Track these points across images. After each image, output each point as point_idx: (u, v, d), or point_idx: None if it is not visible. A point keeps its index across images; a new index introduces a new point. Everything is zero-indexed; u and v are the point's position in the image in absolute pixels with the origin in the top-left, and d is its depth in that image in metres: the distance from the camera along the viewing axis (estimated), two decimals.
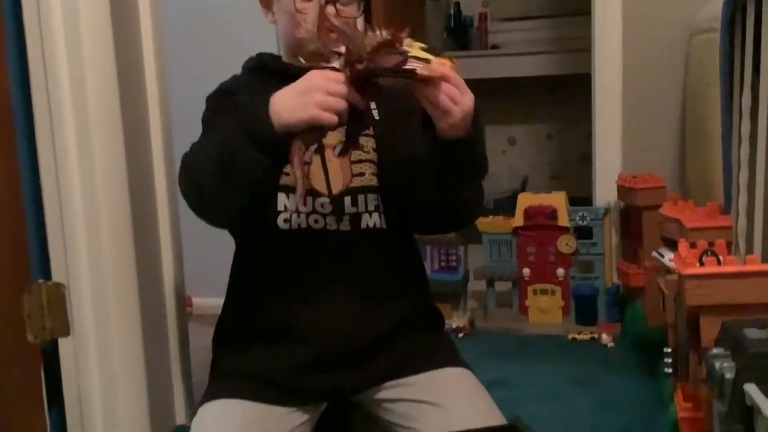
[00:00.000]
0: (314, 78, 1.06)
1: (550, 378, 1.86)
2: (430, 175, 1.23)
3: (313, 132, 1.05)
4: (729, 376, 0.88)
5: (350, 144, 1.14)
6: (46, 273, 1.37)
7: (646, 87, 2.33)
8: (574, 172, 4.15)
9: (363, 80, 1.04)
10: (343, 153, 1.19)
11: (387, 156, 1.31)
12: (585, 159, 2.68)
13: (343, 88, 1.04)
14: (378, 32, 1.02)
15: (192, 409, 1.66)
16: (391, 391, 1.33)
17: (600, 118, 2.40)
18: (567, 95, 4.17)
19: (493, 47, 4.24)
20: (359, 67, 1.03)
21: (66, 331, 1.36)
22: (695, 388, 1.26)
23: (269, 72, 1.28)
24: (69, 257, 1.34)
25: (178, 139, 1.62)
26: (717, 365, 0.90)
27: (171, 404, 1.65)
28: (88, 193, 1.32)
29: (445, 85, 1.08)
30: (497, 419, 1.25)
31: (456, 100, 1.09)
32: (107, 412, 1.35)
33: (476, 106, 1.12)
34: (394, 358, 1.33)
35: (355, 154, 1.29)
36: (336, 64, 1.05)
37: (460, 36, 4.28)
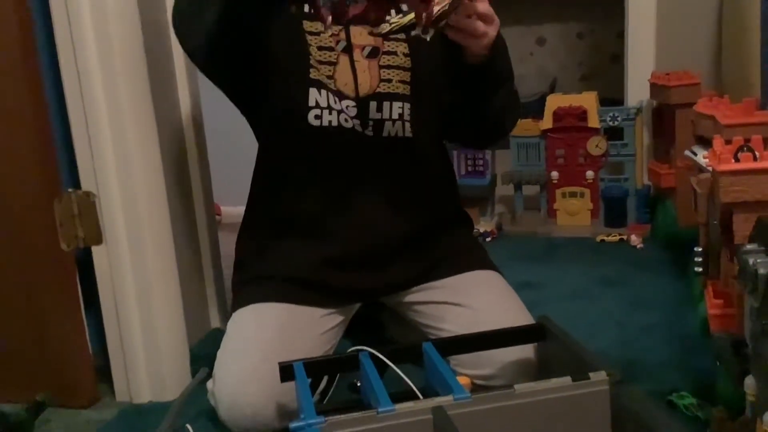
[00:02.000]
0: None
1: (577, 278, 1.87)
2: (457, 93, 1.22)
3: None
4: (763, 271, 0.87)
5: (371, 20, 1.06)
6: (75, 182, 1.38)
7: None
8: (605, 72, 4.04)
9: None
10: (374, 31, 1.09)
11: (420, 62, 1.28)
12: (616, 59, 2.58)
13: None
14: None
15: (224, 314, 1.70)
16: (421, 293, 1.35)
17: (632, 14, 2.31)
18: None
19: None
20: None
21: (98, 239, 1.38)
22: (726, 285, 1.26)
23: None
24: (97, 166, 1.34)
25: None
26: (751, 261, 0.89)
27: (205, 308, 1.69)
28: (113, 99, 1.31)
29: (482, 6, 1.05)
30: (526, 319, 1.26)
31: (489, 21, 1.08)
32: (144, 316, 1.39)
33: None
34: (423, 260, 1.34)
35: (385, 59, 1.26)
36: None
37: None
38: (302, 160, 1.27)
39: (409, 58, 1.27)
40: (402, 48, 1.28)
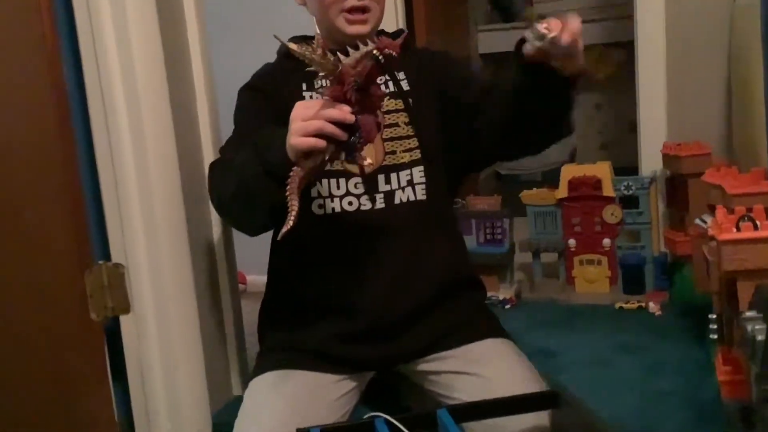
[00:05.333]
0: (294, 109, 1.10)
1: (596, 345, 1.88)
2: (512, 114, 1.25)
3: (310, 157, 1.07)
4: (760, 338, 0.90)
5: (347, 157, 1.13)
6: (106, 254, 1.44)
7: (690, 53, 2.29)
8: (624, 141, 4.09)
9: (358, 93, 1.05)
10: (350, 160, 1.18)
11: (422, 127, 1.34)
12: (635, 128, 2.66)
13: (314, 112, 1.06)
14: (369, 45, 1.03)
15: (246, 382, 1.73)
16: (434, 363, 1.37)
17: (644, 86, 2.37)
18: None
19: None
20: (331, 85, 1.05)
21: (126, 309, 1.44)
22: (735, 351, 1.27)
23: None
24: (127, 239, 1.42)
25: (225, 118, 1.68)
26: (749, 327, 0.92)
27: (228, 377, 1.73)
28: (143, 176, 1.39)
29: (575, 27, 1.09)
30: (538, 387, 1.28)
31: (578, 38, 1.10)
32: (168, 385, 1.43)
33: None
34: (435, 329, 1.37)
35: (387, 132, 1.32)
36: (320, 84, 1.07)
37: (504, 9, 4.25)
38: (311, 245, 1.32)
39: (410, 126, 1.33)
40: (402, 118, 1.33)
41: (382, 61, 1.02)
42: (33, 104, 1.37)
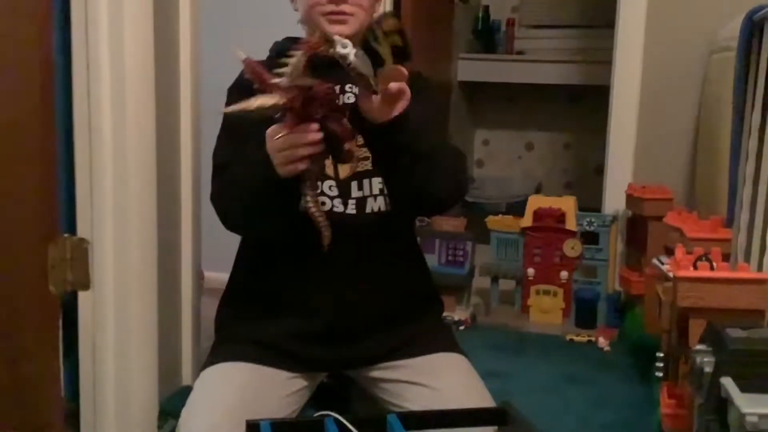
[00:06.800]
0: (267, 139, 1.13)
1: (544, 373, 1.91)
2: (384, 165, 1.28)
3: (304, 178, 1.12)
4: (708, 369, 0.94)
5: (337, 161, 1.19)
6: (72, 228, 1.44)
7: (663, 101, 2.37)
8: (588, 182, 4.18)
9: (310, 102, 1.07)
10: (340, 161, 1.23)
11: (374, 143, 1.35)
12: (600, 171, 2.73)
13: (284, 141, 1.09)
14: (298, 53, 1.05)
15: (197, 373, 1.72)
16: (387, 371, 1.38)
17: (615, 129, 2.45)
18: (588, 106, 4.21)
19: (518, 53, 4.29)
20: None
21: (86, 285, 1.43)
22: (680, 387, 1.31)
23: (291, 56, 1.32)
24: (95, 214, 1.41)
25: (206, 109, 1.68)
26: (698, 360, 0.96)
27: (179, 365, 1.72)
28: (119, 155, 1.39)
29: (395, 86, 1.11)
30: (488, 404, 1.30)
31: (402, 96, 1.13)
32: (119, 364, 1.42)
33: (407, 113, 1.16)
34: (392, 338, 1.38)
35: (360, 139, 1.34)
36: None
37: (486, 39, 4.33)
38: (279, 241, 1.34)
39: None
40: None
41: (311, 60, 1.04)
42: (18, 67, 1.37)
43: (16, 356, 1.42)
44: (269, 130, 1.14)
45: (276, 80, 1.05)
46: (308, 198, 1.13)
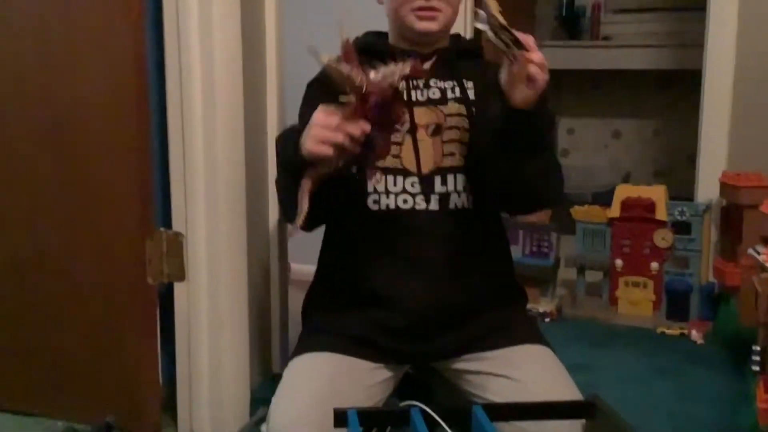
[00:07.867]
0: (316, 113, 1.12)
1: (633, 366, 1.88)
2: (496, 151, 1.25)
3: (321, 164, 1.10)
4: None
5: (358, 169, 1.17)
6: (167, 222, 1.50)
7: (758, 85, 2.27)
8: (679, 170, 4.05)
9: (379, 111, 1.07)
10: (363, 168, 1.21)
11: (476, 134, 1.35)
12: (692, 159, 2.62)
13: (334, 122, 1.08)
14: (399, 65, 1.05)
15: (286, 361, 1.77)
16: (470, 363, 1.38)
17: (708, 115, 2.36)
18: (677, 91, 4.07)
19: (604, 38, 4.18)
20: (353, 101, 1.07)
21: (181, 277, 1.49)
22: None
23: (374, 52, 1.30)
24: (189, 209, 1.47)
25: (290, 106, 1.72)
26: None
27: (269, 353, 1.78)
28: (210, 151, 1.44)
29: (537, 55, 1.10)
30: (574, 396, 1.28)
31: (543, 68, 1.11)
32: (213, 352, 1.48)
33: (546, 87, 1.14)
34: (476, 331, 1.38)
35: (447, 134, 1.34)
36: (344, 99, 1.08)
37: (570, 25, 4.24)
38: (364, 239, 1.35)
39: (468, 133, 1.35)
40: (464, 123, 1.35)
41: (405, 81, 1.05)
42: (114, 67, 1.43)
43: (116, 344, 1.50)
44: (325, 106, 1.13)
45: (370, 71, 1.06)
46: (305, 179, 1.11)
